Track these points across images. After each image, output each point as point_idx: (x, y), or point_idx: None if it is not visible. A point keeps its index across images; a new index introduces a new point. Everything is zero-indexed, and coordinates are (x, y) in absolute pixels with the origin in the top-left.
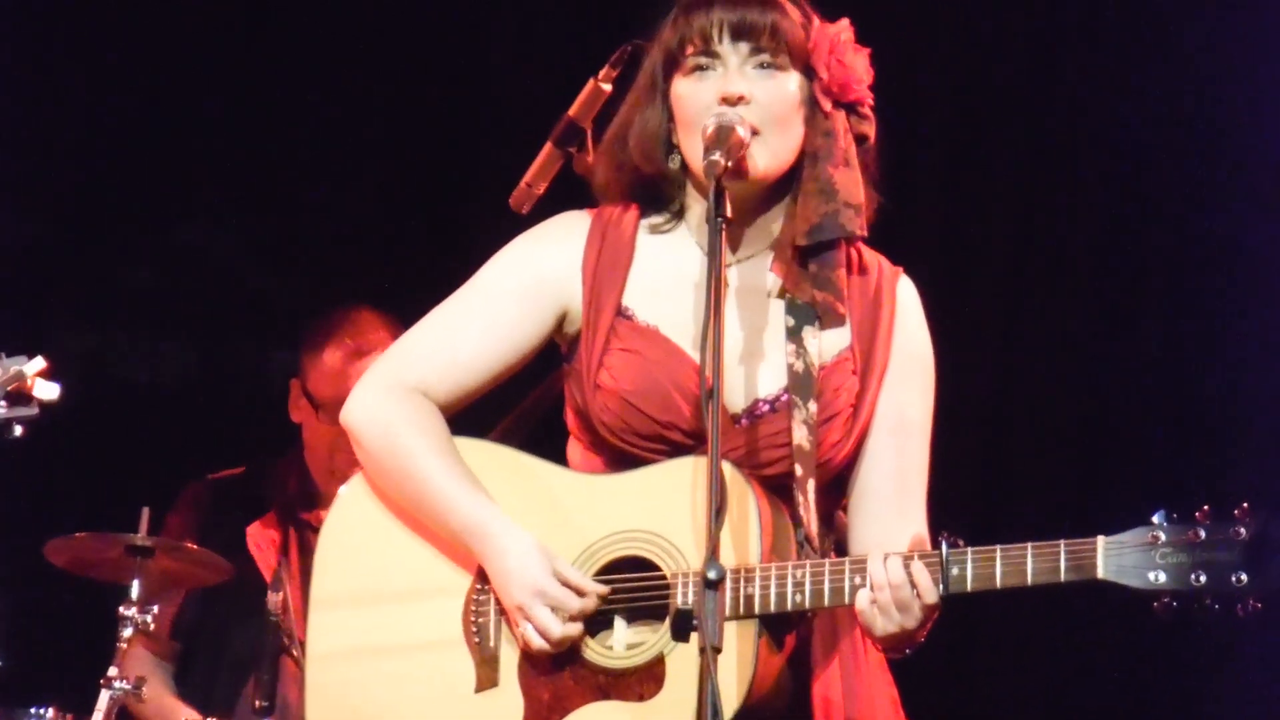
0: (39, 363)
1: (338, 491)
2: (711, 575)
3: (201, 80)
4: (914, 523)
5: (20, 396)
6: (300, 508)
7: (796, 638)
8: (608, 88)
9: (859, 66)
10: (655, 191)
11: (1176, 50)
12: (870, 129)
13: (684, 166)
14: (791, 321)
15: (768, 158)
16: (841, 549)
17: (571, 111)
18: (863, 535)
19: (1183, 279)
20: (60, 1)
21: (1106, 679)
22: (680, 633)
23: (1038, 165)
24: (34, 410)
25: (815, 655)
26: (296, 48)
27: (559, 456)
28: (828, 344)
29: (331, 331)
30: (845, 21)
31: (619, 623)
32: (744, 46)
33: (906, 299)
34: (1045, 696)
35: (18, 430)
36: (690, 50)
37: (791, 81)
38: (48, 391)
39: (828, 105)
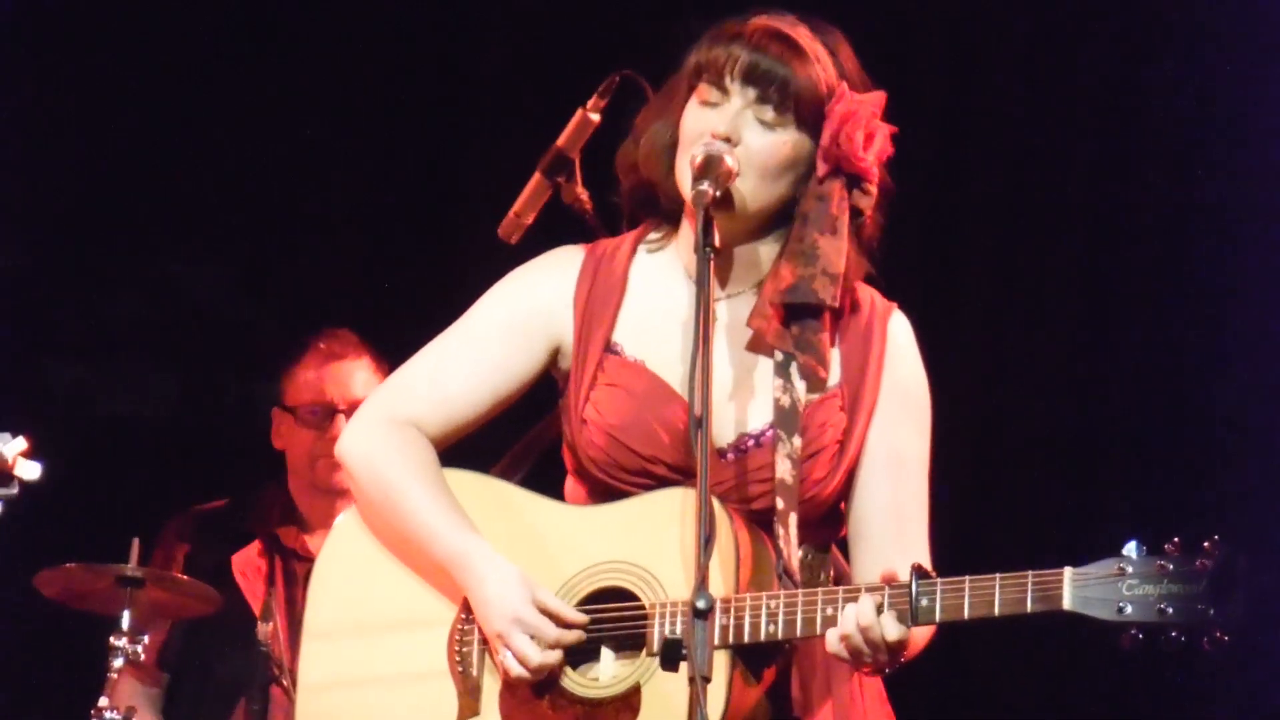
0: (20, 443)
1: (334, 523)
2: (700, 605)
3: (187, 112)
4: (913, 557)
5: (1, 476)
6: (285, 536)
7: (776, 671)
8: (596, 117)
9: (873, 141)
10: (656, 200)
11: (1164, 68)
12: (868, 204)
13: None
14: (780, 356)
15: (743, 199)
16: (840, 582)
17: (560, 141)
18: (862, 572)
19: (1166, 304)
20: (45, 32)
21: (1113, 705)
22: (669, 662)
23: (1020, 197)
24: (14, 490)
25: (797, 689)
26: (282, 80)
27: (560, 490)
28: (816, 380)
29: (307, 345)
30: (880, 95)
31: (604, 652)
32: (751, 91)
33: (899, 334)
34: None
35: None
36: (705, 79)
37: (788, 137)
38: (29, 471)
39: (823, 171)
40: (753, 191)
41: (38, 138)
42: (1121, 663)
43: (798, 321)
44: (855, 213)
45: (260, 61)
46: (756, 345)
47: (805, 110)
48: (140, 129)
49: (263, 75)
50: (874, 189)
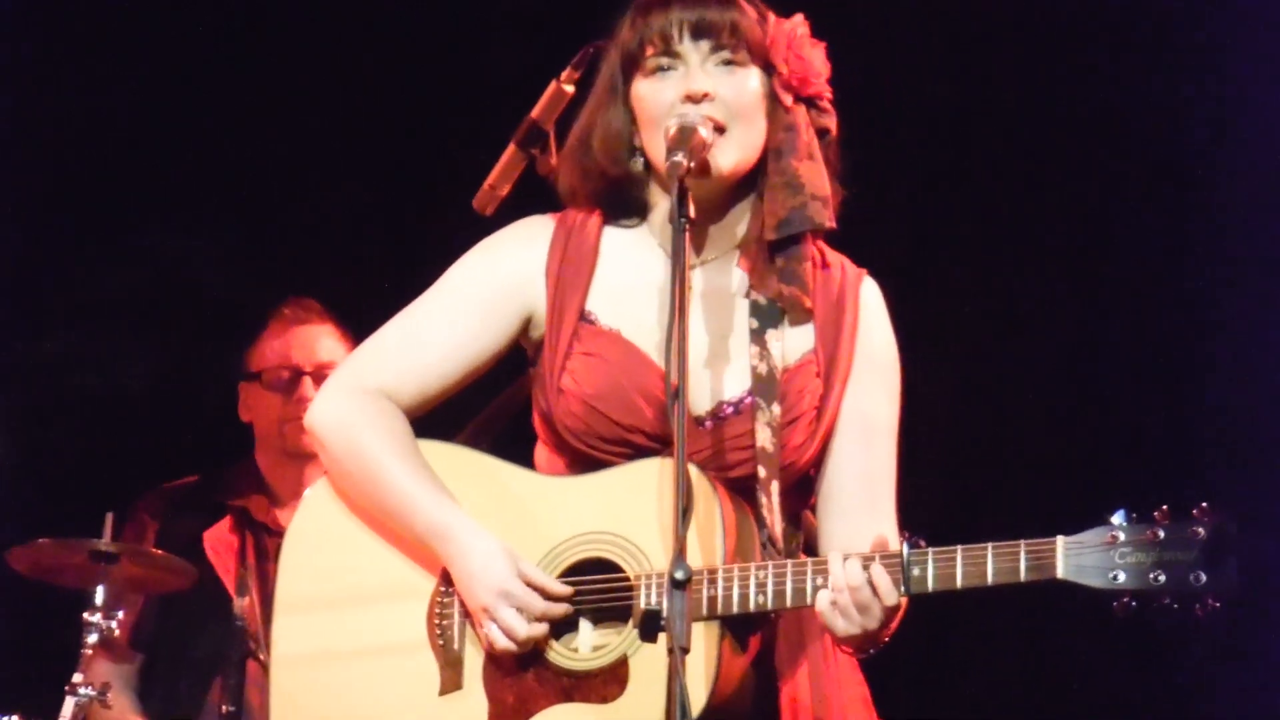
0: None
1: (303, 495)
2: (679, 575)
3: (168, 85)
4: (883, 523)
5: None
6: (255, 510)
7: (761, 640)
8: (570, 89)
9: (816, 60)
10: (621, 195)
11: (1165, 46)
12: (831, 122)
13: (647, 167)
14: (755, 324)
15: (735, 154)
16: (810, 549)
17: (534, 113)
18: (831, 537)
19: (1153, 274)
20: (36, 6)
21: (1080, 677)
22: (648, 633)
23: (1010, 169)
24: None
25: (781, 657)
26: (263, 55)
27: (527, 460)
28: (791, 346)
29: (270, 314)
30: (799, 17)
31: (584, 624)
32: (705, 44)
33: (870, 301)
34: (1018, 694)
35: None
36: (650, 51)
37: (752, 77)
38: None
39: (788, 100)
40: (739, 142)
41: (11, 111)
42: (1119, 662)
43: (782, 254)
44: (821, 133)
45: (241, 36)
46: (733, 312)
47: (755, 46)
48: (118, 102)
49: (242, 50)
50: (830, 106)
